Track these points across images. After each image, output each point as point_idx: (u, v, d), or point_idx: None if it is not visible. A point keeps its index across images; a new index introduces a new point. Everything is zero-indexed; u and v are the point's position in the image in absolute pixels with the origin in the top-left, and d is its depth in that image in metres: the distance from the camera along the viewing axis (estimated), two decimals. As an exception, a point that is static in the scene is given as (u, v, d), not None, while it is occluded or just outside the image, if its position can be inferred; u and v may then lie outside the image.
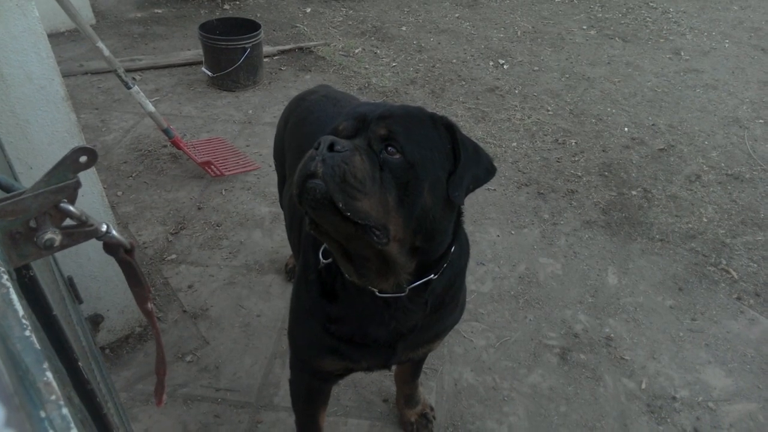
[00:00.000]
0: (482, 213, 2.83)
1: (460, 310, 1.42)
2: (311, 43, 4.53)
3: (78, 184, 0.61)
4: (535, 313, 2.30)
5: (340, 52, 4.47)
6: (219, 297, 2.28)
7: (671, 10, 5.68)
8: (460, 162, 1.06)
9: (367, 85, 4.00)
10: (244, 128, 3.45)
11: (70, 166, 0.60)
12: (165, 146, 3.13)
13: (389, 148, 1.00)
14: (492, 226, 2.76)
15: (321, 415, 1.56)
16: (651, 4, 5.82)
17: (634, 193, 3.04)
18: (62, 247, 0.62)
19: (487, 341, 2.17)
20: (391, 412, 1.89)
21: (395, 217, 0.99)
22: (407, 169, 0.99)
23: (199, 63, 3.91)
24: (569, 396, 1.99)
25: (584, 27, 5.22)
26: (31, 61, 1.63)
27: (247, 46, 3.64)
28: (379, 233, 0.98)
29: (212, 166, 2.95)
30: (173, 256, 2.46)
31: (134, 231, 2.57)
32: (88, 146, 0.59)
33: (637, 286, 2.46)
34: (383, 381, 1.98)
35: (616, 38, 5.00)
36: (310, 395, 1.50)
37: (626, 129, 3.63)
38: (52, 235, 0.60)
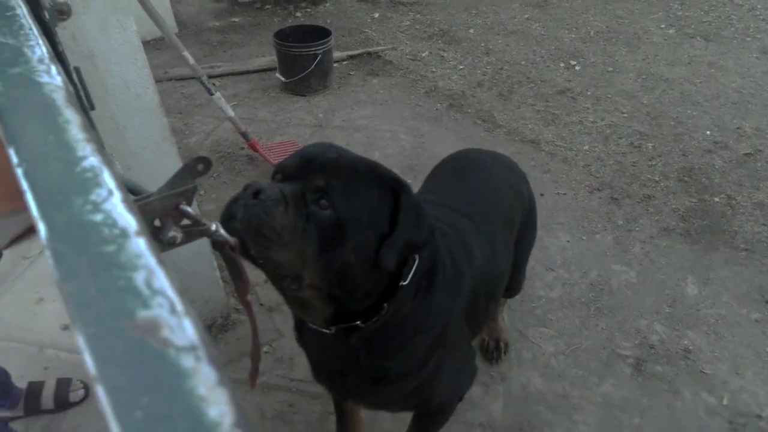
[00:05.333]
0: (552, 218, 2.78)
1: (427, 388, 1.29)
2: (379, 48, 4.60)
3: (195, 189, 0.68)
4: (607, 321, 2.24)
5: (408, 56, 4.51)
6: (292, 294, 2.38)
7: (759, 6, 5.33)
8: (398, 228, 1.01)
9: (433, 88, 4.02)
10: (315, 131, 3.56)
11: (189, 172, 0.67)
12: (242, 148, 3.29)
13: (322, 201, 0.96)
14: (561, 231, 2.71)
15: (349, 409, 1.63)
16: (736, 0, 5.48)
17: (716, 199, 2.89)
18: (181, 243, 0.69)
19: (557, 348, 2.14)
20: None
21: (311, 268, 0.97)
22: (334, 225, 0.96)
23: (274, 69, 4.07)
24: (643, 408, 1.93)
25: (662, 26, 4.99)
26: (129, 71, 1.75)
27: (318, 52, 3.75)
28: (290, 280, 0.97)
29: (285, 168, 3.07)
30: (249, 254, 2.59)
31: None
32: (205, 156, 0.66)
33: (719, 298, 2.34)
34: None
35: (698, 37, 4.75)
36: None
37: (708, 132, 3.45)
38: (175, 233, 0.67)
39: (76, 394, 1.86)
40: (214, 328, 2.17)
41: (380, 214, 1.02)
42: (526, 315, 2.26)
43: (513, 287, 1.87)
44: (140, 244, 0.26)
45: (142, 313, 0.24)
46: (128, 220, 0.26)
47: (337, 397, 1.58)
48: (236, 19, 5.31)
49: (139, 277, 0.25)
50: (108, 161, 0.28)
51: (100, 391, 0.23)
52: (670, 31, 4.88)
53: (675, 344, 2.15)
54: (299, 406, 1.92)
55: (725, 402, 1.94)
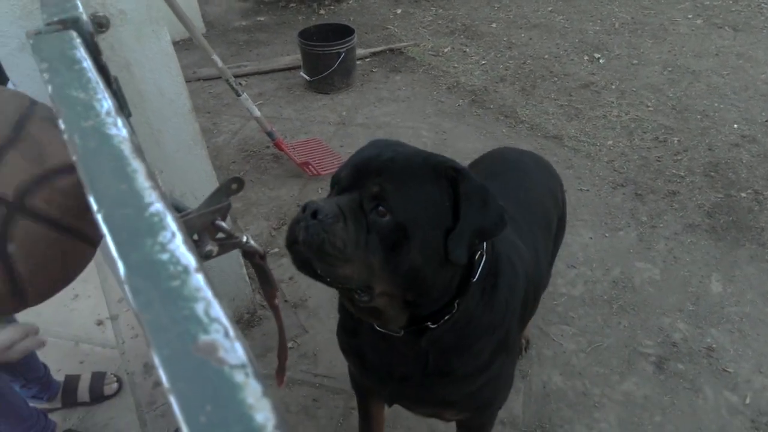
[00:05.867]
0: (574, 214, 2.79)
1: (489, 390, 1.27)
2: (401, 44, 4.63)
3: (230, 206, 0.74)
4: (629, 319, 2.26)
5: (430, 52, 4.53)
6: (316, 289, 2.45)
7: (793, -8, 5.18)
8: (461, 218, 0.98)
9: (455, 84, 4.04)
10: (338, 129, 3.62)
11: (224, 191, 0.73)
12: (268, 147, 3.36)
13: (379, 208, 0.95)
14: (584, 227, 2.72)
15: (373, 406, 1.66)
16: (769, -14, 5.34)
17: (743, 195, 2.86)
18: (216, 255, 0.76)
19: (578, 346, 2.16)
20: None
21: (380, 276, 0.97)
22: (396, 230, 0.95)
23: (298, 67, 4.14)
24: (665, 406, 1.94)
25: (689, 16, 4.90)
26: (163, 78, 1.82)
27: (341, 50, 3.80)
28: (361, 293, 0.98)
29: (310, 166, 3.14)
30: (276, 250, 2.67)
31: (242, 225, 2.81)
32: (238, 176, 0.72)
33: (744, 295, 2.33)
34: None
35: (726, 27, 4.65)
36: (357, 388, 1.62)
37: (736, 126, 3.39)
38: (212, 246, 0.73)
39: (110, 387, 1.96)
40: (240, 324, 2.25)
41: (441, 207, 0.98)
42: (547, 312, 2.29)
43: None
44: (199, 280, 0.31)
45: (203, 338, 0.30)
46: (189, 259, 0.32)
47: (386, 400, 1.52)
48: (262, 18, 5.39)
49: (200, 308, 0.31)
50: (170, 207, 0.33)
51: (172, 401, 0.28)
52: (698, 22, 4.78)
53: (698, 342, 2.15)
54: (323, 400, 1.99)
55: (748, 401, 1.94)
